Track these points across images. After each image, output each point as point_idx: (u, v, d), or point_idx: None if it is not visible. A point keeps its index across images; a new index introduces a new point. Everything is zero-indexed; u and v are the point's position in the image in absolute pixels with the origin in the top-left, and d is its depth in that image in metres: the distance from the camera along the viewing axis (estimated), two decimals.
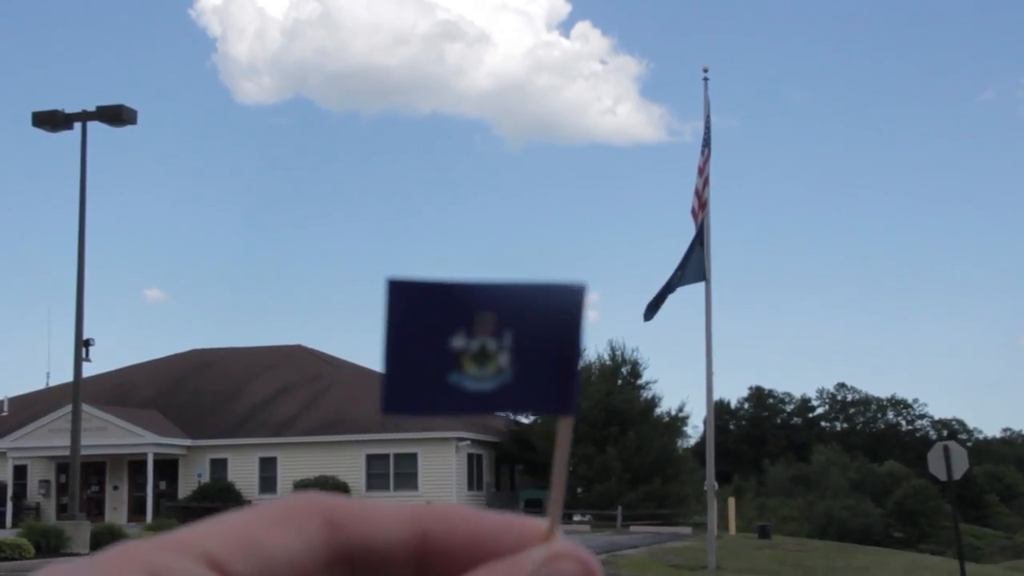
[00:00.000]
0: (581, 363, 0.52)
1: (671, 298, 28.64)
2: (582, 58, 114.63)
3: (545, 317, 0.51)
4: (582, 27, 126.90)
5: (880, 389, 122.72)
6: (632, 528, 46.79)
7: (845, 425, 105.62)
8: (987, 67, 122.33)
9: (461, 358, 0.51)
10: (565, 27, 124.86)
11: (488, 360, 0.51)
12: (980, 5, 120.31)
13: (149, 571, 0.46)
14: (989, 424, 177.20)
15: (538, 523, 0.52)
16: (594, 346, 56.29)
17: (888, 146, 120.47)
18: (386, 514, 0.52)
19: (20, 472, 49.65)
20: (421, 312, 0.50)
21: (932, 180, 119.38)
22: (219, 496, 46.54)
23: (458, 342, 0.51)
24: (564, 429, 0.53)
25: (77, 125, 34.65)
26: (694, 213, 29.15)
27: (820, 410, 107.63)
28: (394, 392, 0.51)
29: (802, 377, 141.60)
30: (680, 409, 56.71)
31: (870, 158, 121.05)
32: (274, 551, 0.49)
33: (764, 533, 43.60)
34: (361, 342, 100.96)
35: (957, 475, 21.71)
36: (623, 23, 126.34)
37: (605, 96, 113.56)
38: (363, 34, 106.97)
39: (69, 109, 34.81)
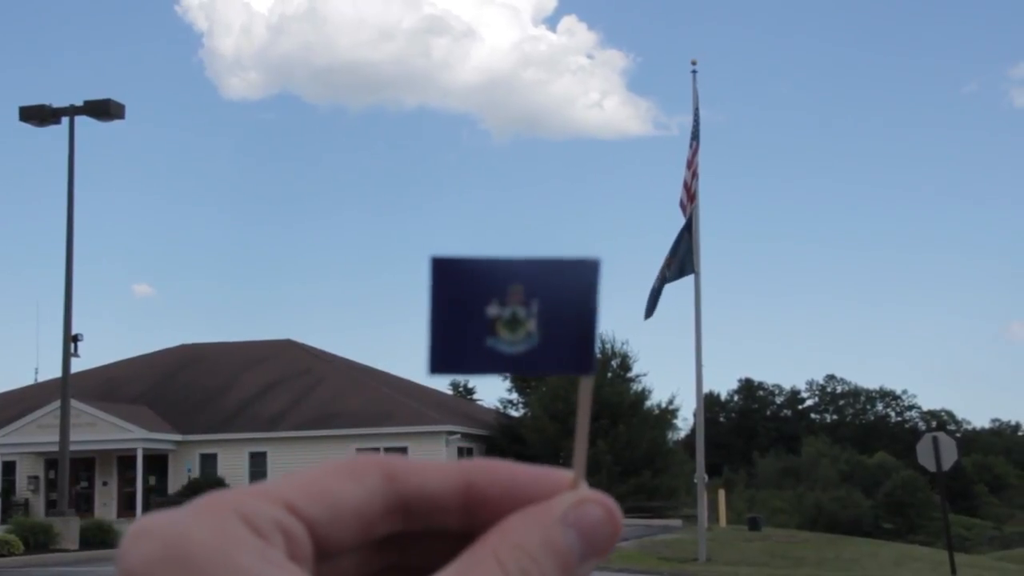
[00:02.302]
0: (598, 328, 0.59)
1: (662, 291, 28.71)
2: (569, 52, 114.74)
3: (567, 287, 0.59)
4: (568, 21, 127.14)
5: (869, 381, 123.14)
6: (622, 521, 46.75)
7: (835, 417, 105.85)
8: (971, 60, 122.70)
9: (495, 324, 0.58)
10: (551, 21, 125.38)
11: (519, 326, 0.58)
12: None
13: (239, 513, 0.54)
14: (978, 415, 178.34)
15: (567, 474, 0.60)
16: None
17: (874, 138, 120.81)
18: (436, 468, 0.60)
19: (8, 468, 49.48)
20: (460, 285, 0.58)
21: (919, 171, 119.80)
22: (209, 491, 46.43)
23: (493, 310, 0.58)
24: (586, 387, 0.60)
25: (65, 119, 34.55)
26: (682, 206, 29.16)
27: (810, 402, 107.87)
28: (438, 355, 0.58)
29: (792, 369, 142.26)
30: (670, 402, 56.74)
31: (857, 150, 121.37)
32: (342, 499, 0.57)
33: (754, 525, 43.65)
34: (350, 336, 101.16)
35: (946, 466, 21.75)
36: (610, 17, 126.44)
37: (592, 90, 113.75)
38: (349, 29, 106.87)
39: (57, 104, 34.71)
